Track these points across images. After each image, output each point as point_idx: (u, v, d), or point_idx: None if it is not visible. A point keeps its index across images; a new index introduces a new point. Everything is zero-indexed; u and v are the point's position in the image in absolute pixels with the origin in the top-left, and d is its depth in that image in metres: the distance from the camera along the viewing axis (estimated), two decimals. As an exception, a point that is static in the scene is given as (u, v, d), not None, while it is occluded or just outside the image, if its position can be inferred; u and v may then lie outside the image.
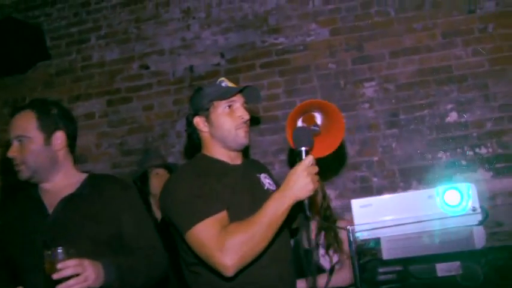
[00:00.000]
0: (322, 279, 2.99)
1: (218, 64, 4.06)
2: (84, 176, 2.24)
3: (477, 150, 3.57)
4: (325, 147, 2.01)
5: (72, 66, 4.32)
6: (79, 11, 4.38)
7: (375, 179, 3.68)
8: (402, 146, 3.68)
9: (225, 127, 2.05)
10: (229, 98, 2.06)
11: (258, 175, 2.18)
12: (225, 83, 2.11)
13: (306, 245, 3.14)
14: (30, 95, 4.32)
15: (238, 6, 4.10)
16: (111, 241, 2.11)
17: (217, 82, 2.13)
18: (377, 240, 1.69)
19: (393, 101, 3.73)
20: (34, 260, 1.96)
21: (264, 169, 2.31)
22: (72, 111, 4.07)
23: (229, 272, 1.75)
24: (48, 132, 2.14)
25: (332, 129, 2.01)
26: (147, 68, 4.18)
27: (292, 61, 3.96)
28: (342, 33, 3.89)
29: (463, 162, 3.57)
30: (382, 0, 3.85)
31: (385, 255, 1.68)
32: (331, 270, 3.01)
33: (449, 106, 3.65)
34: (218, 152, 2.12)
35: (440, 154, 3.61)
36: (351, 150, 3.73)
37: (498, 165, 3.52)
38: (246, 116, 2.07)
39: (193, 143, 2.21)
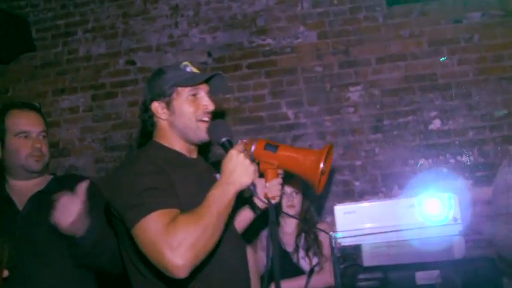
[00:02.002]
0: (301, 281, 3.02)
1: (205, 63, 4.05)
2: (50, 176, 2.37)
3: (459, 158, 3.62)
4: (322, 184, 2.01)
5: (58, 59, 4.26)
6: (66, 3, 4.32)
7: (357, 183, 3.71)
8: (385, 151, 3.71)
9: (187, 116, 1.87)
10: (195, 85, 1.88)
11: (214, 174, 2.00)
12: (190, 67, 1.93)
13: (285, 246, 3.17)
14: (14, 87, 4.27)
15: (227, 6, 4.09)
16: None
17: (181, 66, 1.94)
18: (358, 247, 1.71)
19: (378, 106, 3.76)
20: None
21: (217, 169, 2.03)
22: (56, 104, 4.12)
23: (182, 273, 1.52)
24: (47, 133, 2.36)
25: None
26: (133, 63, 4.15)
27: (279, 63, 3.96)
28: (329, 36, 3.91)
29: (444, 170, 3.62)
30: (371, 5, 3.88)
31: (366, 262, 1.70)
32: (311, 272, 3.04)
33: (433, 113, 3.69)
34: (175, 143, 1.93)
35: (422, 160, 3.66)
36: (334, 153, 3.73)
37: (478, 174, 3.57)
38: (211, 107, 1.91)
39: (146, 131, 2.02)
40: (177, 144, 1.93)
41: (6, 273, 1.79)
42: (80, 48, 4.26)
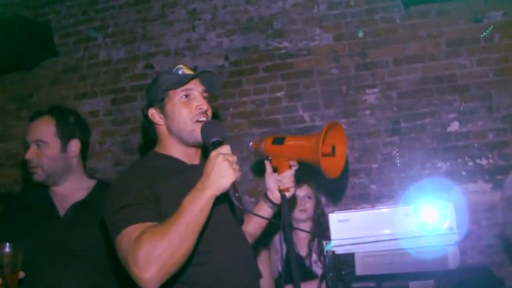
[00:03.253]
0: (313, 285, 3.01)
1: (222, 66, 4.07)
2: (93, 182, 2.39)
3: (478, 161, 3.54)
4: (337, 167, 2.00)
5: (79, 64, 4.37)
6: (87, 9, 4.42)
7: (374, 186, 3.67)
8: (402, 154, 3.65)
9: (181, 119, 1.86)
10: (184, 85, 1.87)
11: None
12: (182, 70, 1.92)
13: (298, 250, 3.16)
14: (37, 92, 4.40)
15: (243, 9, 4.10)
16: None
17: (174, 70, 1.93)
18: (351, 256, 1.69)
19: (395, 108, 3.71)
20: (45, 259, 2.11)
21: None
22: (77, 109, 4.21)
23: (149, 286, 1.53)
24: (65, 139, 2.29)
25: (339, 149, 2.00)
26: (152, 67, 4.21)
27: (295, 65, 3.95)
28: (345, 38, 3.87)
29: (463, 173, 3.54)
30: (388, 6, 3.82)
31: (358, 271, 1.68)
32: (323, 277, 3.03)
33: (452, 116, 3.62)
34: (174, 149, 1.93)
35: (440, 164, 3.59)
36: (350, 156, 3.72)
37: (498, 177, 3.48)
38: (204, 106, 1.88)
39: (149, 139, 2.02)
40: (176, 151, 1.93)
41: (22, 274, 1.90)
42: (100, 53, 4.35)
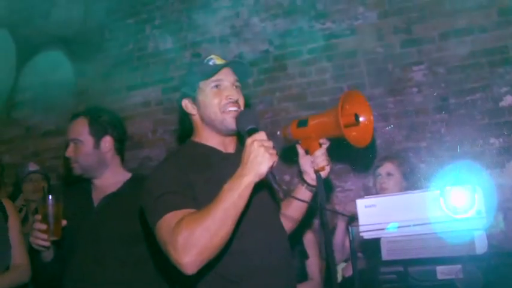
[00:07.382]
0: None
1: (266, 51, 4.09)
2: (128, 176, 2.53)
3: (534, 136, 3.39)
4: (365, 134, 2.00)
5: (129, 57, 4.52)
6: (135, 2, 4.54)
7: (423, 165, 3.59)
8: (452, 131, 3.54)
9: (212, 109, 1.90)
10: (214, 76, 1.90)
11: None
12: (213, 60, 1.95)
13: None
14: (92, 86, 4.60)
15: (285, -8, 4.08)
16: (139, 237, 2.32)
17: (205, 60, 1.97)
18: (377, 241, 1.69)
19: (443, 84, 3.59)
20: (79, 245, 2.29)
21: None
22: (129, 100, 4.36)
23: (188, 270, 1.57)
24: (97, 136, 2.45)
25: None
26: (198, 56, 4.27)
27: (339, 46, 3.90)
28: (390, 15, 3.77)
29: (515, 151, 3.40)
30: (434, -21, 3.69)
31: (385, 255, 1.68)
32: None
33: (504, 89, 3.46)
34: (209, 138, 1.97)
35: (492, 140, 3.45)
36: (398, 135, 3.66)
37: (557, 153, 3.32)
38: (235, 96, 1.90)
39: (186, 129, 2.06)
40: (211, 139, 1.97)
41: (64, 222, 2.19)
42: (148, 45, 4.47)
